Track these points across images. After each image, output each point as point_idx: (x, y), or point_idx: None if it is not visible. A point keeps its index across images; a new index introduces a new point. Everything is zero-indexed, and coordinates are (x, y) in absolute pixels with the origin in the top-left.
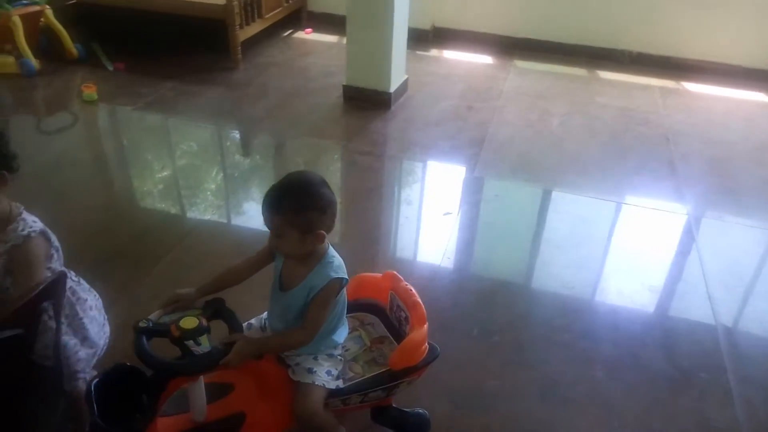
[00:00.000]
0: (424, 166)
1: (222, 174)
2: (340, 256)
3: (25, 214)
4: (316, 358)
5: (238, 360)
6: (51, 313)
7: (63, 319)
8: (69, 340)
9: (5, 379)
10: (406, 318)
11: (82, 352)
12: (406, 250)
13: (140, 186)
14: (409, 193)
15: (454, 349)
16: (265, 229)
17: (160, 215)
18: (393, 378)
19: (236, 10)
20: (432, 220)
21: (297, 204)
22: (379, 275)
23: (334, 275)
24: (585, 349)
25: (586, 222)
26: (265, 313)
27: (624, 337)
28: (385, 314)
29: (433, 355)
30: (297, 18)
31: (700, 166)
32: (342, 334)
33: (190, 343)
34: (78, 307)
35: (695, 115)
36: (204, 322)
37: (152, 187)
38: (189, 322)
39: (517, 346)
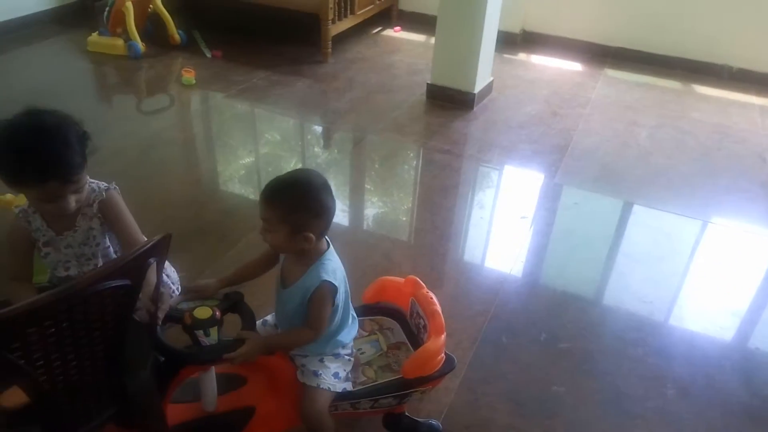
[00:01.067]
0: (503, 169)
1: (301, 164)
2: (417, 249)
3: (92, 181)
4: (322, 360)
5: (242, 359)
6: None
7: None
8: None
9: (111, 327)
10: (425, 326)
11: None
12: (478, 249)
13: (227, 168)
14: (485, 194)
15: (521, 352)
16: (337, 220)
17: (244, 198)
18: (405, 386)
19: (330, 5)
20: (507, 222)
21: (294, 203)
22: (401, 279)
23: (325, 277)
24: (657, 365)
25: (669, 238)
26: None
27: (699, 358)
28: (405, 320)
29: (449, 367)
30: (387, 16)
31: None
32: (349, 335)
33: (200, 333)
34: None
35: None
36: (218, 314)
37: (238, 170)
38: (203, 312)
39: (586, 355)
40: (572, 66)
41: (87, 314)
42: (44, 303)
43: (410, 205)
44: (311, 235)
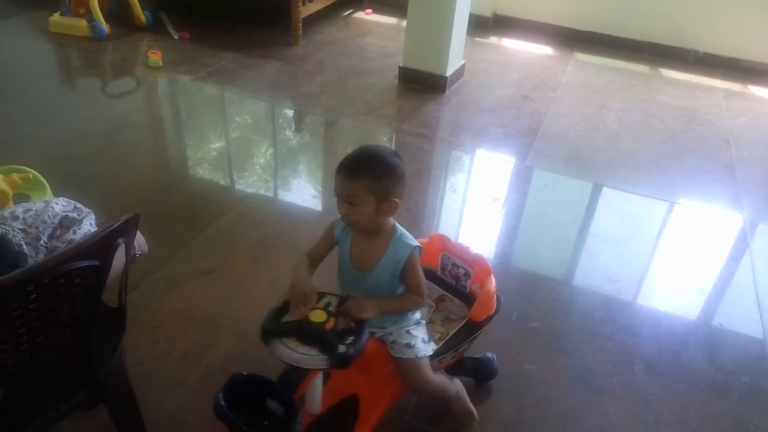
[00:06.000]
0: (475, 152)
1: (273, 149)
2: None
3: None
4: (408, 332)
5: (366, 313)
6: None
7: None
8: None
9: (79, 310)
10: (466, 273)
11: None
12: (450, 231)
13: (196, 152)
14: (457, 177)
15: (493, 331)
16: (309, 205)
17: (214, 182)
18: (475, 329)
19: None
20: (479, 204)
21: (377, 171)
22: (425, 240)
23: (414, 243)
24: (625, 342)
25: (637, 219)
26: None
27: (666, 334)
28: (435, 276)
29: (501, 303)
30: None
31: (761, 171)
32: None
33: (331, 336)
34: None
35: (760, 119)
36: (332, 311)
37: (207, 154)
38: (318, 316)
39: (557, 334)
40: (543, 50)
41: (55, 296)
42: (9, 283)
43: None
44: (397, 200)
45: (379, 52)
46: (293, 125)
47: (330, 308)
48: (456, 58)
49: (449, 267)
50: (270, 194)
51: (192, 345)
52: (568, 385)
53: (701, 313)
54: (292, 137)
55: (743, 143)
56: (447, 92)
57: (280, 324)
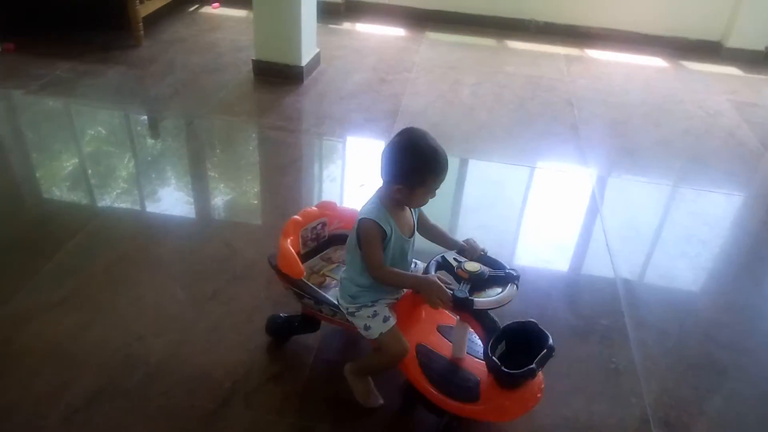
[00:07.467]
0: (339, 139)
1: (128, 156)
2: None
3: None
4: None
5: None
6: None
7: None
8: None
9: None
10: (321, 224)
11: None
12: None
13: (39, 173)
14: (323, 167)
15: None
16: (173, 213)
17: (59, 203)
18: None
19: None
20: (347, 192)
21: None
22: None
23: None
24: None
25: (497, 186)
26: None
27: (531, 291)
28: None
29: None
30: None
31: (602, 128)
32: None
33: (498, 272)
34: None
35: (597, 80)
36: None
37: (52, 173)
38: (473, 267)
39: None
40: (396, 32)
41: None
42: None
43: (249, 187)
44: None
45: (230, 47)
46: (146, 131)
47: (462, 261)
48: (309, 46)
49: (309, 234)
50: (125, 207)
51: (47, 385)
52: None
53: (560, 266)
54: (145, 144)
55: (584, 104)
56: (305, 82)
57: (462, 290)
